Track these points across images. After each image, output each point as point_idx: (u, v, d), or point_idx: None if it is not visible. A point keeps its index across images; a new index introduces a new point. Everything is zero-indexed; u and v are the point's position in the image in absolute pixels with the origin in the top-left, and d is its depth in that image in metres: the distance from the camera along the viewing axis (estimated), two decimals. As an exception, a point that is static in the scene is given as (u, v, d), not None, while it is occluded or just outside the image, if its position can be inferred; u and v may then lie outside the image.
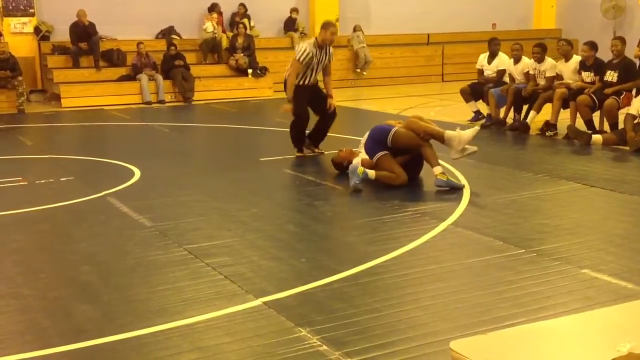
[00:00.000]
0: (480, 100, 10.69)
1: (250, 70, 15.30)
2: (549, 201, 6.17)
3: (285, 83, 8.06)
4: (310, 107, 8.13)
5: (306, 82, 7.97)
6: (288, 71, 8.00)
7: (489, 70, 10.67)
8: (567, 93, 9.18)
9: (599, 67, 9.16)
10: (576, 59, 9.50)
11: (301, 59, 7.80)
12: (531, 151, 8.87)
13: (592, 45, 9.26)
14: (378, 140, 6.73)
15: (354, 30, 16.73)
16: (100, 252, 4.91)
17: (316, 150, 8.27)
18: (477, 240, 5.02)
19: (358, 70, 16.83)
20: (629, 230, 5.23)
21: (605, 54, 9.36)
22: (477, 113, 10.75)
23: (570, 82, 9.38)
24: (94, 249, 4.99)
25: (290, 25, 16.78)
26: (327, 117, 8.16)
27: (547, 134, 9.32)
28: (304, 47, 7.87)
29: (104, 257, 4.81)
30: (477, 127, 7.29)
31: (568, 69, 9.51)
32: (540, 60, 9.76)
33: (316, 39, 7.97)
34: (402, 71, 17.45)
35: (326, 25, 7.89)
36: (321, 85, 8.30)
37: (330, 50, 8.07)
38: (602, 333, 1.97)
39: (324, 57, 7.97)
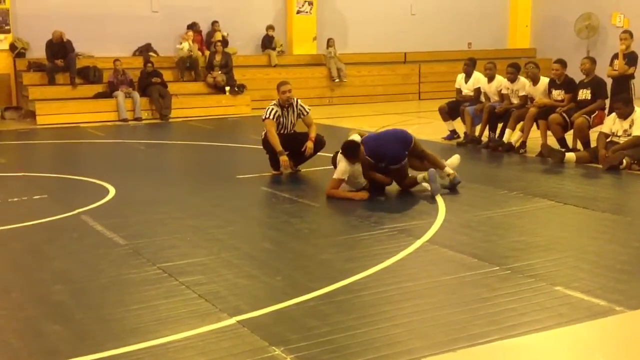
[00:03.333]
0: (459, 119, 10.77)
1: (227, 88, 15.30)
2: (523, 218, 6.22)
3: (265, 144, 8.18)
4: (288, 148, 8.13)
5: (279, 131, 8.10)
6: (263, 133, 8.18)
7: (467, 90, 10.78)
8: (538, 112, 9.29)
9: (569, 85, 9.30)
10: (544, 80, 9.63)
11: (270, 116, 8.03)
12: (505, 169, 8.95)
13: (563, 63, 9.40)
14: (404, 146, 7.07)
15: (328, 45, 16.78)
16: (73, 271, 4.85)
17: (293, 168, 8.28)
18: (452, 257, 5.04)
19: (336, 80, 16.82)
20: (602, 247, 5.28)
21: (578, 73, 9.49)
22: (453, 132, 10.84)
23: (545, 100, 9.47)
24: (67, 267, 4.93)
25: (267, 42, 16.84)
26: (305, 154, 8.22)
27: (520, 151, 9.43)
28: (269, 107, 8.16)
29: (76, 275, 4.76)
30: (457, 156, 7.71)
31: (537, 92, 9.64)
32: (513, 79, 9.89)
33: (278, 100, 8.16)
34: (379, 89, 17.55)
35: (278, 87, 8.15)
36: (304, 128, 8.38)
37: (299, 104, 8.23)
38: (572, 350, 1.99)
39: (291, 114, 8.17)
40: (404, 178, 7.11)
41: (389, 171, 7.04)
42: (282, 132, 8.17)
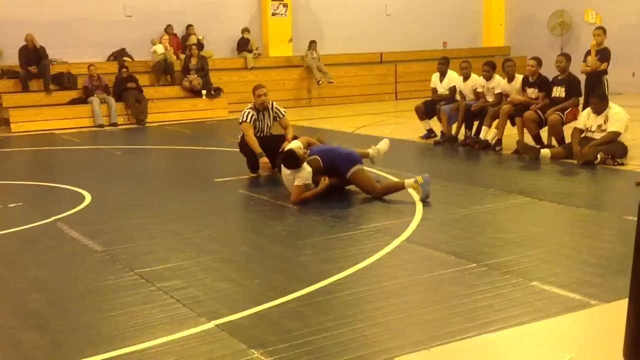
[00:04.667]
0: (435, 118, 10.83)
1: (204, 91, 15.26)
2: (500, 215, 6.27)
3: (242, 147, 8.22)
4: (265, 150, 8.08)
5: (255, 134, 8.15)
6: (240, 137, 8.22)
7: (442, 89, 10.84)
8: (513, 110, 9.37)
9: (542, 83, 9.39)
10: (519, 77, 9.71)
11: (247, 119, 8.08)
12: (482, 166, 9.01)
13: (539, 61, 9.50)
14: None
15: (309, 47, 16.77)
16: (49, 279, 4.80)
17: (271, 170, 8.27)
18: (430, 255, 5.06)
19: (321, 82, 16.76)
20: (577, 242, 5.33)
21: (552, 70, 9.58)
22: (430, 131, 10.90)
23: (519, 97, 9.55)
24: (43, 275, 4.88)
25: (243, 45, 16.81)
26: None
27: (496, 149, 9.51)
28: (245, 110, 8.19)
29: (53, 284, 4.71)
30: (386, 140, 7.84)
31: (513, 89, 9.72)
32: (488, 78, 9.96)
33: (253, 103, 8.19)
34: (356, 90, 17.60)
35: (253, 91, 8.19)
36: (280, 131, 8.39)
37: (275, 107, 8.27)
38: (544, 344, 2.01)
39: (267, 117, 8.22)
40: (366, 182, 6.93)
41: (336, 173, 7.00)
42: (258, 135, 8.19)
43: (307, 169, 6.83)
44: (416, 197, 6.79)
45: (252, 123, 8.10)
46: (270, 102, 8.25)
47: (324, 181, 6.89)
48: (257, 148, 7.98)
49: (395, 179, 7.49)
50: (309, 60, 16.75)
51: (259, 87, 8.23)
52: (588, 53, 10.20)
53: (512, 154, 9.24)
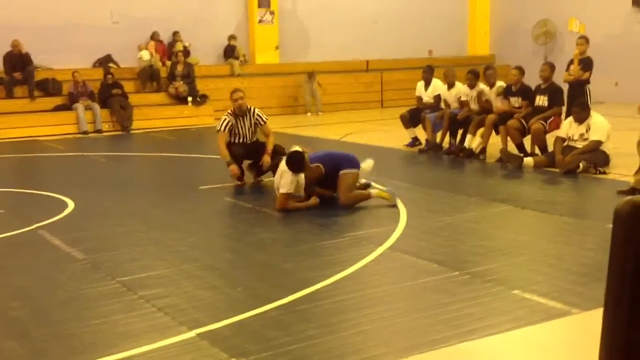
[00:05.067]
0: (420, 126, 10.87)
1: (190, 98, 15.22)
2: (483, 223, 6.30)
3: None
4: (250, 157, 8.18)
5: (237, 140, 8.11)
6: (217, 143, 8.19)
7: (427, 97, 10.89)
8: (497, 119, 9.43)
9: (525, 92, 9.46)
10: (499, 83, 9.79)
11: (221, 128, 8.05)
12: (466, 174, 9.05)
13: (522, 70, 9.59)
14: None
15: (309, 77, 16.58)
16: (30, 287, 4.77)
17: (257, 178, 8.26)
18: (413, 263, 5.07)
19: (309, 114, 16.62)
20: (560, 250, 5.37)
21: (536, 79, 9.65)
22: (415, 139, 10.93)
23: (504, 107, 9.59)
24: (24, 283, 4.85)
25: (229, 52, 16.80)
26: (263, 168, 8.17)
27: (480, 157, 9.56)
28: (223, 117, 8.15)
29: (34, 291, 4.68)
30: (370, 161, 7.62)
31: (492, 94, 9.81)
32: (472, 86, 10.03)
33: (232, 109, 8.13)
34: (342, 97, 17.62)
35: (230, 95, 8.14)
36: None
37: (257, 113, 8.15)
38: (524, 353, 2.02)
39: (247, 123, 8.11)
40: (350, 187, 6.93)
41: (336, 181, 6.92)
42: (240, 141, 8.12)
43: (300, 178, 6.75)
44: (400, 205, 6.80)
45: (227, 131, 8.03)
46: (252, 107, 8.18)
47: (314, 200, 6.87)
48: (227, 156, 7.94)
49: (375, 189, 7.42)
50: (307, 89, 16.58)
51: (236, 90, 8.16)
52: (571, 62, 10.27)
53: (495, 162, 9.29)
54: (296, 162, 6.72)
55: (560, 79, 9.92)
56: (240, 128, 8.10)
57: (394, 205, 6.78)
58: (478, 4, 20.23)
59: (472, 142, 9.75)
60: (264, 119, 8.21)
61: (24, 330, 4.01)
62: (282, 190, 6.72)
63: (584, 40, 10.30)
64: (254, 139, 8.26)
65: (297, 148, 6.99)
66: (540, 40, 18.44)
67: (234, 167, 7.92)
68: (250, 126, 8.16)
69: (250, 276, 4.94)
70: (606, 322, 1.54)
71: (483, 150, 9.63)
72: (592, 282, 4.54)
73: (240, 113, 8.06)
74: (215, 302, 4.39)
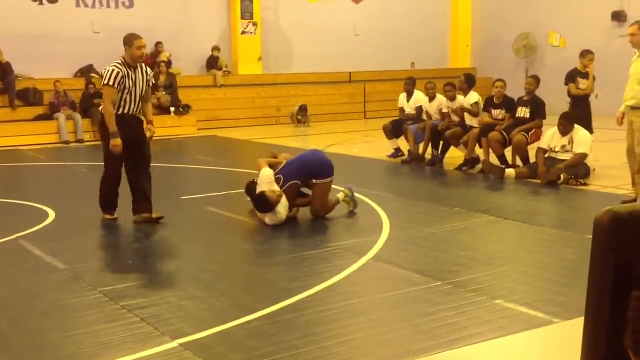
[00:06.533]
0: (403, 137, 10.92)
1: (172, 108, 15.19)
2: (465, 234, 6.33)
3: (101, 125, 6.67)
4: (128, 149, 6.61)
5: (126, 110, 6.54)
6: (102, 104, 6.72)
7: (409, 109, 10.95)
8: (480, 131, 9.49)
9: (507, 104, 9.54)
10: (474, 96, 9.89)
11: (110, 81, 6.39)
12: (448, 185, 9.10)
13: (504, 82, 9.67)
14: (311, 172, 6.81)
15: (300, 111, 16.51)
16: (10, 297, 4.72)
17: (153, 216, 6.74)
18: (395, 273, 5.09)
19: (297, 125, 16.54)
20: (541, 261, 5.41)
21: (518, 92, 9.72)
22: (397, 150, 10.98)
23: (486, 119, 9.66)
24: (4, 294, 4.80)
25: (212, 62, 16.80)
26: (141, 171, 6.93)
27: (463, 168, 9.63)
28: (110, 67, 6.52)
29: (14, 302, 4.63)
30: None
31: (467, 102, 9.90)
32: (451, 98, 10.11)
33: (123, 57, 6.58)
34: (325, 108, 17.66)
35: (129, 40, 6.53)
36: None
37: (149, 71, 6.80)
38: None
39: (141, 79, 6.59)
40: (326, 196, 6.89)
41: (315, 187, 6.83)
42: (124, 111, 6.49)
43: (282, 204, 6.49)
44: (383, 215, 6.82)
45: (117, 86, 6.38)
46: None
47: (296, 210, 6.84)
48: (113, 125, 6.36)
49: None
50: (297, 125, 16.47)
51: (137, 37, 6.55)
52: (575, 75, 10.02)
53: (477, 173, 9.36)
54: (263, 205, 6.48)
55: (542, 92, 9.85)
56: (131, 81, 6.49)
57: (355, 208, 6.99)
58: (460, 17, 20.42)
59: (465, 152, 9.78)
60: (153, 80, 6.98)
61: (4, 341, 3.96)
62: (268, 221, 6.53)
63: (593, 55, 10.09)
64: (139, 111, 6.72)
65: (262, 189, 6.52)
66: (521, 53, 18.63)
67: (117, 141, 6.41)
68: (144, 84, 6.63)
69: (233, 286, 4.93)
70: (587, 331, 1.56)
71: (466, 162, 9.65)
72: (572, 292, 4.58)
73: (134, 65, 6.57)
74: (199, 311, 4.37)
